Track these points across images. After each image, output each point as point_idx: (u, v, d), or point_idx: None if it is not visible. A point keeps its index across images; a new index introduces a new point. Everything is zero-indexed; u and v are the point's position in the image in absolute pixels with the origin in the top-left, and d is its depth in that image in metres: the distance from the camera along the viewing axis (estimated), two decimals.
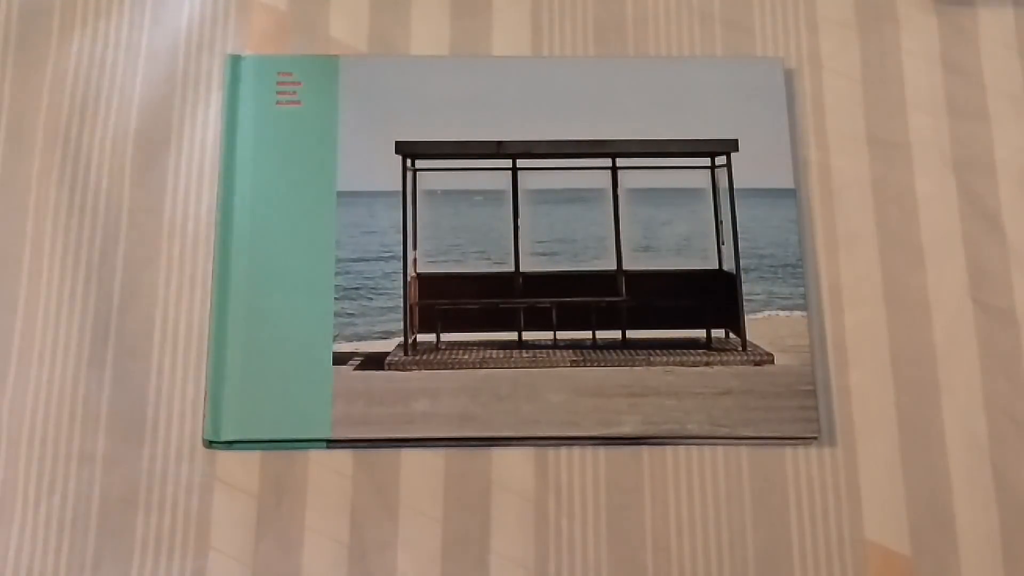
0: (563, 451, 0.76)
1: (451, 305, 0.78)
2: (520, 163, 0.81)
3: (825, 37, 0.85)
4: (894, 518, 0.75)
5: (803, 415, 0.76)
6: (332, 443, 0.75)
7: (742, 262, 0.79)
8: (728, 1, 0.86)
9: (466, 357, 0.77)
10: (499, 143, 0.81)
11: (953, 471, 0.76)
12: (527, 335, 0.78)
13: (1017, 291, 0.80)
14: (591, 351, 0.77)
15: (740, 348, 0.78)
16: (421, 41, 0.85)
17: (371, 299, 0.78)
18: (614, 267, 0.79)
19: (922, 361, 0.78)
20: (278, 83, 0.82)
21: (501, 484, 0.76)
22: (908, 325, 0.79)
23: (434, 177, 0.80)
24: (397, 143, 0.81)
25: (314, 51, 0.84)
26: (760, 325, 0.78)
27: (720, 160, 0.81)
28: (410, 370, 0.76)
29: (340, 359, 0.76)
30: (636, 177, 0.81)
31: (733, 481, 0.76)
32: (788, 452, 0.77)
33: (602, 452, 0.76)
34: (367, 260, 0.78)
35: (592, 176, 0.81)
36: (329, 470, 0.76)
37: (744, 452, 0.76)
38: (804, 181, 0.82)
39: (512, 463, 0.76)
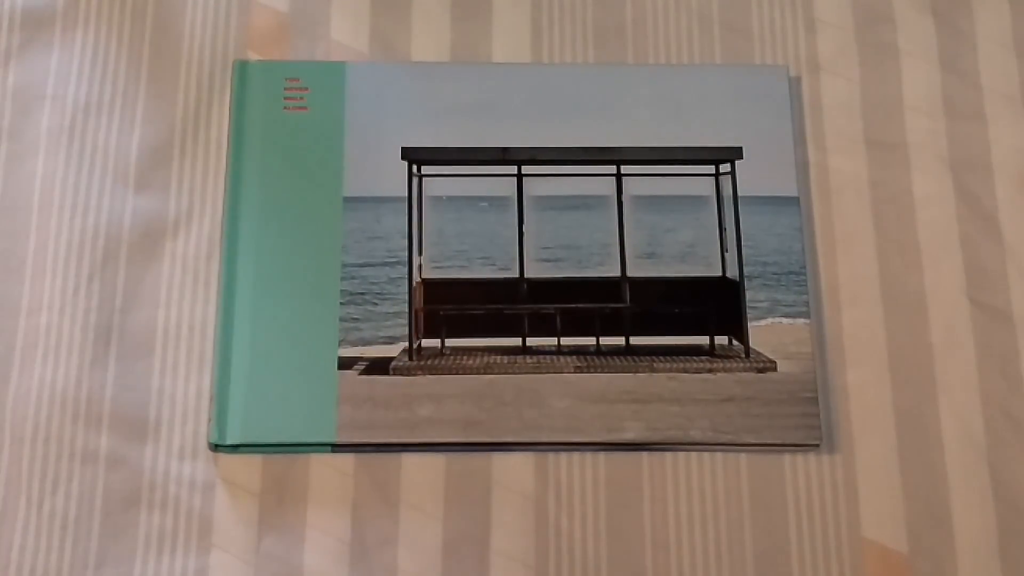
0: (563, 453, 0.76)
1: (456, 310, 0.78)
2: (525, 169, 0.81)
3: (823, 38, 0.86)
4: (891, 516, 0.75)
5: (806, 422, 0.76)
6: (337, 447, 0.75)
7: (746, 269, 0.79)
8: (726, 4, 0.87)
9: (470, 362, 0.77)
10: (504, 149, 0.81)
11: (950, 469, 0.76)
12: (531, 341, 0.78)
13: (1014, 291, 0.80)
14: (595, 357, 0.77)
15: (743, 355, 0.78)
16: (422, 42, 0.85)
17: (376, 304, 0.78)
18: (618, 273, 0.79)
19: (919, 361, 0.79)
20: (285, 88, 0.82)
21: (502, 483, 0.76)
22: (905, 325, 0.79)
23: (440, 183, 0.81)
24: (403, 149, 0.81)
25: (315, 52, 0.85)
26: (763, 332, 0.78)
27: (724, 168, 0.81)
28: (415, 375, 0.76)
29: (345, 364, 0.76)
30: (641, 184, 0.81)
31: (732, 480, 0.76)
32: (787, 453, 0.77)
33: (602, 454, 0.76)
34: (373, 265, 0.79)
35: (597, 183, 0.81)
36: (331, 468, 0.76)
37: (743, 452, 0.77)
38: (802, 182, 0.82)
39: (513, 464, 0.76)
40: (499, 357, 0.77)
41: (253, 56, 0.84)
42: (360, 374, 0.76)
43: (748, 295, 0.79)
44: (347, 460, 0.76)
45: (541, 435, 0.75)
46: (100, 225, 0.79)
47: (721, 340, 0.78)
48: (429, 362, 0.77)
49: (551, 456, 0.76)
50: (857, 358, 0.79)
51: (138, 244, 0.79)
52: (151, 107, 0.82)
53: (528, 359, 0.77)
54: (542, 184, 0.81)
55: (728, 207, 0.81)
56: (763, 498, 0.76)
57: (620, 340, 0.78)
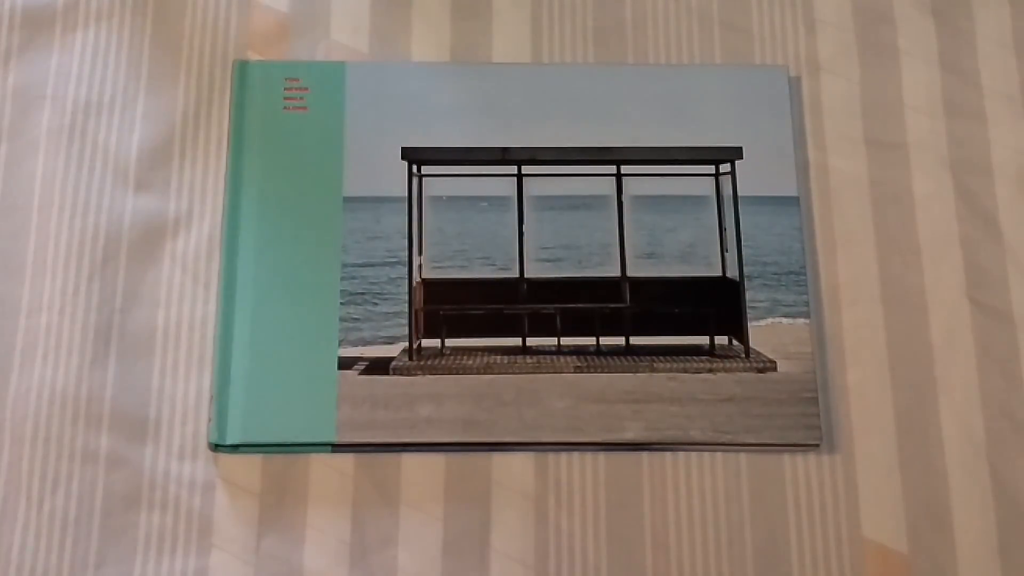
0: (563, 453, 0.76)
1: (456, 310, 0.79)
2: (525, 169, 0.81)
3: (823, 38, 0.86)
4: (892, 516, 0.76)
5: (806, 422, 0.76)
6: (337, 447, 0.75)
7: (746, 269, 0.79)
8: (726, 4, 0.87)
9: (470, 362, 0.77)
10: (504, 149, 0.81)
11: (950, 469, 0.77)
12: (531, 341, 0.78)
13: (1014, 290, 0.80)
14: (595, 357, 0.78)
15: (743, 355, 0.78)
16: (422, 43, 0.85)
17: (376, 304, 0.78)
18: (618, 273, 0.79)
19: (919, 360, 0.79)
20: (285, 88, 0.82)
21: (502, 483, 0.76)
22: (905, 324, 0.80)
23: (440, 183, 0.81)
24: (403, 149, 0.81)
25: (315, 52, 0.85)
26: (763, 332, 0.78)
27: (724, 168, 0.81)
28: (415, 375, 0.77)
29: (345, 364, 0.76)
30: (641, 184, 0.81)
31: (732, 480, 0.76)
32: (787, 453, 0.77)
33: (602, 454, 0.76)
34: (373, 265, 0.79)
35: (597, 183, 0.81)
36: (331, 468, 0.76)
37: (743, 452, 0.77)
38: (803, 182, 0.82)
39: (513, 464, 0.76)
40: (499, 357, 0.77)
41: (253, 56, 0.84)
42: (360, 374, 0.76)
43: (748, 295, 0.79)
44: (347, 460, 0.76)
45: (541, 435, 0.75)
46: (100, 225, 0.80)
47: (721, 340, 0.78)
48: (429, 362, 0.77)
49: (551, 456, 0.76)
50: (857, 358, 0.79)
51: (138, 244, 0.80)
52: (151, 107, 0.83)
53: (528, 359, 0.77)
54: (542, 184, 0.81)
55: (728, 207, 0.81)
56: (763, 498, 0.76)
57: (620, 340, 0.78)
